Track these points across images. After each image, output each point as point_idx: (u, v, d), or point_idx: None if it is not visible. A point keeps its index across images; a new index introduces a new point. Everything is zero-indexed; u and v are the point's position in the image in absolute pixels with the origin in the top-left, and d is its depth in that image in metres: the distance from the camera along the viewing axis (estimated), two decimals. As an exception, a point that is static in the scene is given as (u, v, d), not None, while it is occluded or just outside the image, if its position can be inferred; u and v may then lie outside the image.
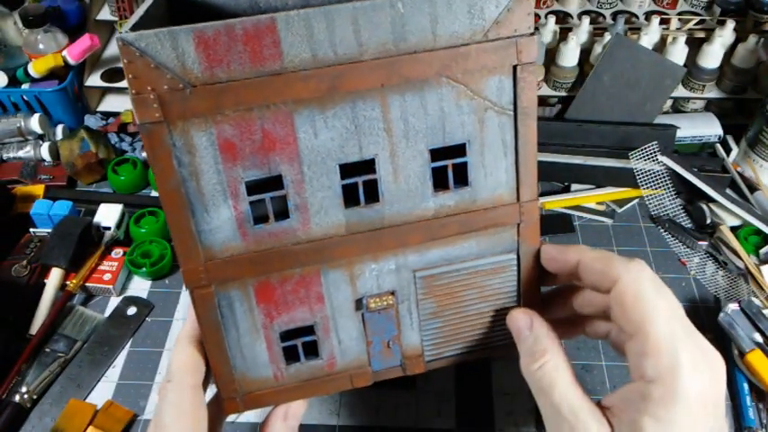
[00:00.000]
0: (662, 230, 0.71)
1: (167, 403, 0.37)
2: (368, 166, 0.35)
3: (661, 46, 0.78)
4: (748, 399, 0.55)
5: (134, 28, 0.31)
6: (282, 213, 0.35)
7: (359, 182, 0.35)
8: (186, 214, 0.34)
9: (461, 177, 0.37)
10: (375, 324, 0.39)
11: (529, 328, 0.38)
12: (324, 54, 0.32)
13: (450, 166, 0.36)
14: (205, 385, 0.39)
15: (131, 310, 0.64)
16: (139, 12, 0.34)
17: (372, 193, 0.36)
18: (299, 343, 0.39)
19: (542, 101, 0.81)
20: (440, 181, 0.37)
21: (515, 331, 0.39)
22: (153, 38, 0.30)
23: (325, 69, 0.32)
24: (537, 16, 0.85)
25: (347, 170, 0.35)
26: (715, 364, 0.34)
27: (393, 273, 0.38)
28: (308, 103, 0.33)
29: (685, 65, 0.76)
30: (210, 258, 0.35)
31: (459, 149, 0.36)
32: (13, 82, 0.79)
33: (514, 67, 0.35)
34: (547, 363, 0.36)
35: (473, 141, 0.36)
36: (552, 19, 0.80)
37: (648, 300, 0.35)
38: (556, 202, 0.74)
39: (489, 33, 0.33)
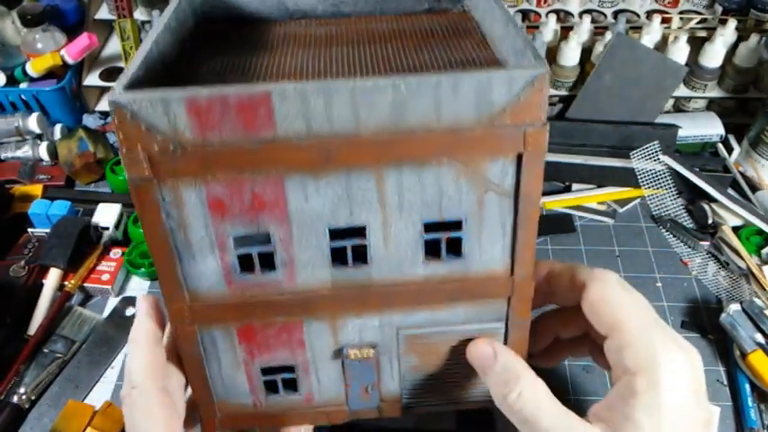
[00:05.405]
0: (663, 230, 0.71)
1: (137, 411, 0.35)
2: (358, 231, 0.34)
3: (662, 45, 0.78)
4: (750, 399, 0.55)
5: (129, 86, 0.30)
6: (269, 264, 0.35)
7: (348, 246, 0.35)
8: (173, 261, 0.34)
9: (455, 246, 0.36)
10: (354, 370, 0.40)
11: (494, 356, 0.36)
12: (319, 127, 0.31)
13: (443, 240, 0.35)
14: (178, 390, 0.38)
15: (130, 311, 0.64)
16: (136, 61, 0.32)
17: (361, 256, 0.35)
18: (279, 379, 0.40)
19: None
20: (432, 249, 0.36)
21: (480, 361, 0.37)
22: (145, 102, 0.29)
23: (320, 141, 0.31)
24: (537, 15, 0.84)
25: (337, 233, 0.34)
26: (690, 353, 0.34)
27: (376, 328, 0.38)
28: (301, 170, 0.32)
29: (687, 64, 0.76)
30: (195, 300, 0.36)
31: (456, 223, 0.35)
32: (12, 81, 0.79)
33: (519, 155, 0.33)
34: (525, 389, 0.34)
35: (470, 219, 0.34)
36: (553, 18, 0.79)
37: (618, 298, 0.35)
38: (557, 202, 0.73)
39: (496, 121, 0.31)
